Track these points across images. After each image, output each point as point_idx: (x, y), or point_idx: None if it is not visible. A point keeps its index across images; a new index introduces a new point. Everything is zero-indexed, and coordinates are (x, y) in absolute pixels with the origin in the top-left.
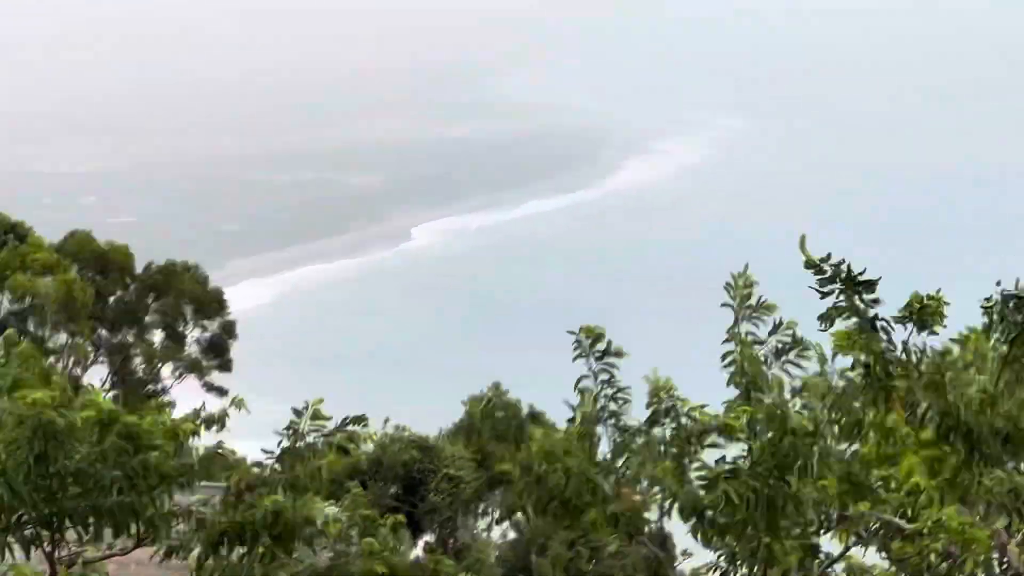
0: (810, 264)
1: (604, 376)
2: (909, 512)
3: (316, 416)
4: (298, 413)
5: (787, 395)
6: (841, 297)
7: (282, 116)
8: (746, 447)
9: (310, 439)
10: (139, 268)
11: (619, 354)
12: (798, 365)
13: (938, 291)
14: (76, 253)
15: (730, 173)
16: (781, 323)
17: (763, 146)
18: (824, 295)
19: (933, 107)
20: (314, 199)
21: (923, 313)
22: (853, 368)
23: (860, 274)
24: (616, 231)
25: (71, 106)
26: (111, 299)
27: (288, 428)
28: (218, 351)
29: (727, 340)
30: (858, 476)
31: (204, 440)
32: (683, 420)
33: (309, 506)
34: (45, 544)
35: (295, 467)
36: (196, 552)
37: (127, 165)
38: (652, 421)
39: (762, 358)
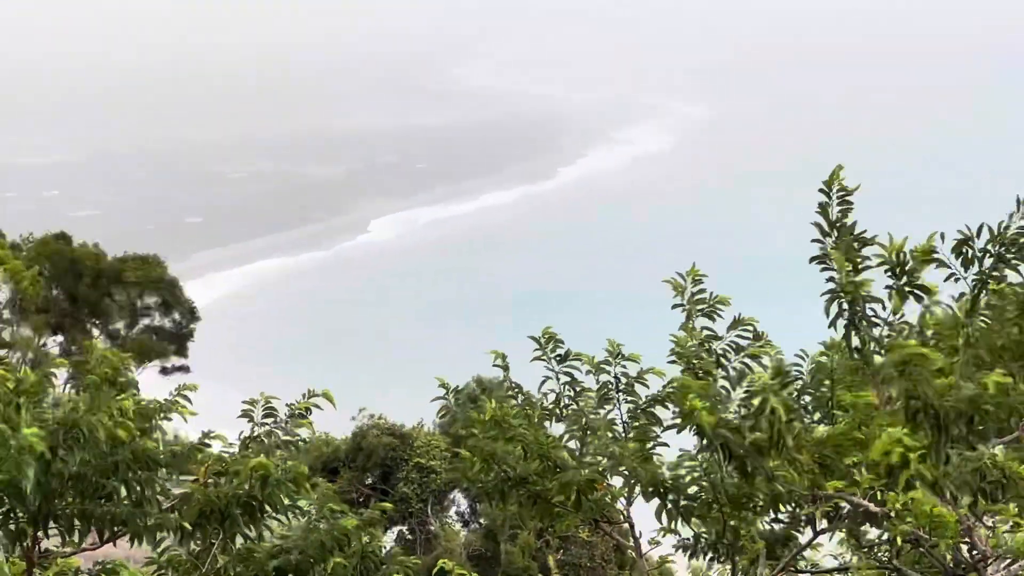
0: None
1: (566, 378)
2: (878, 496)
3: (268, 410)
4: (251, 403)
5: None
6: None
7: (244, 107)
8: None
9: (265, 430)
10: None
11: (578, 357)
12: (758, 360)
13: (932, 236)
14: (48, 256)
15: (691, 160)
16: (739, 319)
17: (723, 133)
18: (818, 259)
19: (895, 85)
20: (276, 190)
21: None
22: (835, 349)
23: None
24: (576, 220)
25: (32, 97)
26: (75, 292)
27: (244, 415)
28: (178, 337)
29: (676, 350)
30: (830, 456)
31: (181, 430)
32: (635, 387)
33: (293, 468)
34: (27, 541)
35: (259, 454)
36: (167, 541)
37: (90, 157)
38: (604, 397)
39: (717, 352)
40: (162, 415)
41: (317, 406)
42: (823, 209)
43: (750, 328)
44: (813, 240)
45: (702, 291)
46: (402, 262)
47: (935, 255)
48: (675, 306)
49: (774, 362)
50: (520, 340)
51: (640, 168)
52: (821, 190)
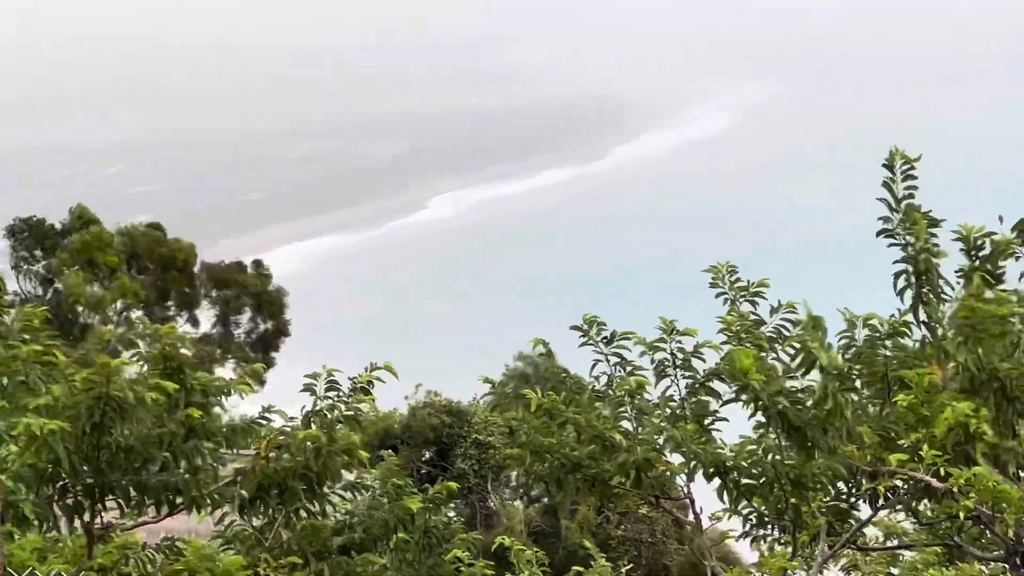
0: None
1: (615, 359)
2: (941, 472)
3: (331, 385)
4: (313, 378)
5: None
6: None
7: (304, 87)
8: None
9: (327, 404)
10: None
11: (626, 336)
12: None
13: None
14: (137, 245)
15: (748, 142)
16: (781, 304)
17: (781, 115)
18: (885, 231)
19: (957, 68)
20: (335, 170)
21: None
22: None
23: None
24: (631, 201)
25: (95, 78)
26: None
27: (306, 389)
28: (266, 346)
29: (724, 328)
30: (891, 430)
31: (246, 409)
32: (692, 362)
33: (347, 438)
34: (85, 514)
35: (320, 429)
36: (228, 516)
37: (150, 136)
38: (661, 374)
39: (764, 336)
40: (224, 393)
41: (380, 379)
42: (888, 185)
43: (793, 311)
44: (880, 217)
45: (738, 280)
46: (458, 241)
47: (1014, 245)
48: (718, 294)
49: (808, 315)
50: (575, 320)
51: (696, 150)
52: (884, 165)
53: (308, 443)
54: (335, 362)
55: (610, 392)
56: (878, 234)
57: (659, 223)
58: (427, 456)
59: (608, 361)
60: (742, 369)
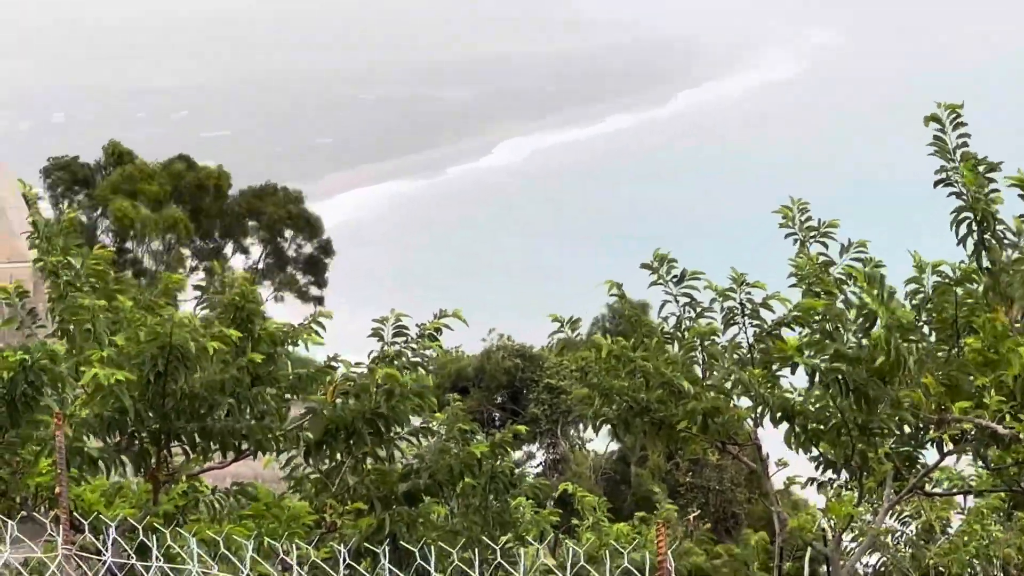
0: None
1: (685, 299)
2: (1007, 419)
3: (398, 329)
4: (381, 322)
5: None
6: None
7: (373, 32)
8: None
9: (395, 350)
10: (238, 183)
11: (696, 276)
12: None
13: None
14: (170, 176)
15: (819, 88)
16: (850, 243)
17: (854, 61)
18: (942, 181)
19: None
20: (405, 114)
21: None
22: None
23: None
24: (700, 145)
25: (164, 22)
26: (210, 223)
27: (374, 334)
28: (315, 270)
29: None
30: (957, 378)
31: (314, 355)
32: (761, 313)
33: (419, 379)
34: (152, 460)
35: (386, 375)
36: (292, 454)
37: (220, 80)
38: (728, 321)
39: (835, 277)
40: (290, 341)
41: (447, 327)
42: (939, 138)
43: (863, 251)
44: (937, 170)
45: (809, 219)
46: (526, 185)
47: None
48: (788, 235)
49: (870, 274)
50: (639, 266)
51: (767, 95)
52: (933, 116)
53: (380, 385)
54: (403, 305)
55: (678, 334)
56: (936, 184)
57: (725, 169)
58: (499, 400)
59: (677, 302)
60: (790, 353)
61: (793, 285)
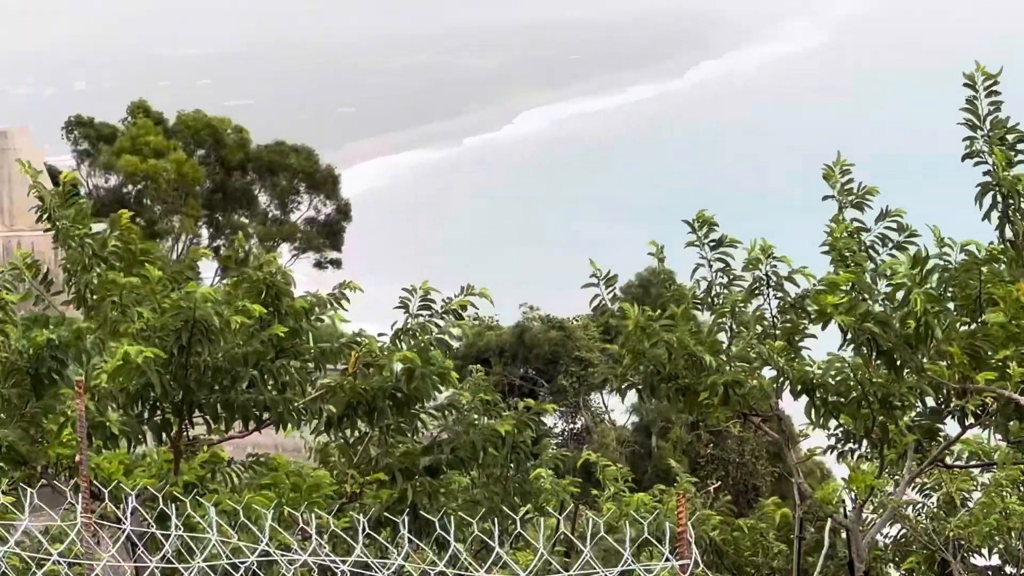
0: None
1: (719, 265)
2: None
3: (425, 303)
4: (409, 292)
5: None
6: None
7: (396, 1)
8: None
9: (418, 323)
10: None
11: (733, 243)
12: (906, 251)
13: None
14: (189, 130)
15: (843, 56)
16: (887, 211)
17: (878, 29)
18: (970, 155)
19: None
20: (429, 82)
21: None
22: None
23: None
24: (724, 116)
25: None
26: (227, 180)
27: (401, 306)
28: (331, 231)
29: (829, 240)
30: (981, 348)
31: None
32: (785, 285)
33: (438, 360)
34: (173, 431)
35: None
36: (312, 426)
37: (243, 48)
38: (753, 291)
39: (866, 244)
40: (315, 315)
41: (473, 304)
42: (971, 103)
43: (898, 220)
44: (964, 138)
45: (850, 181)
46: (547, 155)
47: None
48: (825, 197)
49: (913, 253)
50: (666, 237)
51: (790, 65)
52: (966, 84)
53: (399, 364)
54: (426, 274)
55: (709, 299)
56: (963, 158)
57: (747, 140)
58: (526, 372)
59: (711, 267)
60: (827, 307)
61: (825, 252)
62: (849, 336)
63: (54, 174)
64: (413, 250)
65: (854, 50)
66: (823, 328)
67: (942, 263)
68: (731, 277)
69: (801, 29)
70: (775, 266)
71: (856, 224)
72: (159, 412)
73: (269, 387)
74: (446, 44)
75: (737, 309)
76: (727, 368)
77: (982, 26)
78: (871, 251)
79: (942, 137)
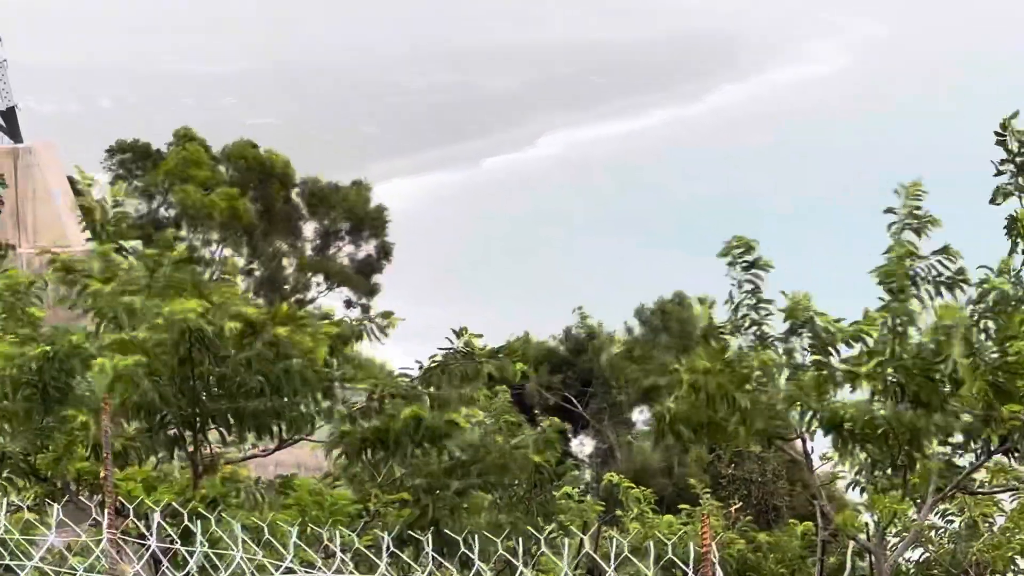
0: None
1: (749, 287)
2: None
3: (469, 350)
4: (457, 333)
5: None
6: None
7: (421, 17)
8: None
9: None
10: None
11: (766, 267)
12: (951, 290)
13: None
14: (236, 159)
15: (868, 79)
16: (947, 248)
17: (902, 51)
18: (1000, 172)
19: None
20: (452, 101)
21: None
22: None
23: None
24: (750, 138)
25: (210, 5)
26: (270, 209)
27: (443, 350)
28: (369, 271)
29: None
30: (1006, 382)
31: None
32: (819, 330)
33: (451, 415)
34: (188, 445)
35: (440, 383)
36: (336, 452)
37: (267, 66)
38: (791, 331)
39: (912, 272)
40: (350, 342)
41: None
42: (1003, 143)
43: (953, 258)
44: (996, 174)
45: (918, 208)
46: (568, 178)
47: None
48: (887, 209)
49: (960, 316)
50: (692, 259)
51: (813, 88)
52: (997, 133)
53: (408, 416)
54: (449, 296)
55: (737, 320)
56: (991, 201)
57: (768, 164)
58: (552, 390)
59: (740, 287)
60: (833, 416)
61: (877, 280)
62: (879, 388)
63: (77, 189)
64: (434, 271)
65: (877, 73)
66: (852, 392)
67: (983, 305)
68: (758, 299)
69: (824, 51)
70: (810, 314)
71: (910, 249)
72: (171, 425)
73: (279, 395)
74: (469, 63)
75: (765, 345)
76: (757, 416)
77: (1006, 48)
78: (916, 280)
79: (968, 157)
